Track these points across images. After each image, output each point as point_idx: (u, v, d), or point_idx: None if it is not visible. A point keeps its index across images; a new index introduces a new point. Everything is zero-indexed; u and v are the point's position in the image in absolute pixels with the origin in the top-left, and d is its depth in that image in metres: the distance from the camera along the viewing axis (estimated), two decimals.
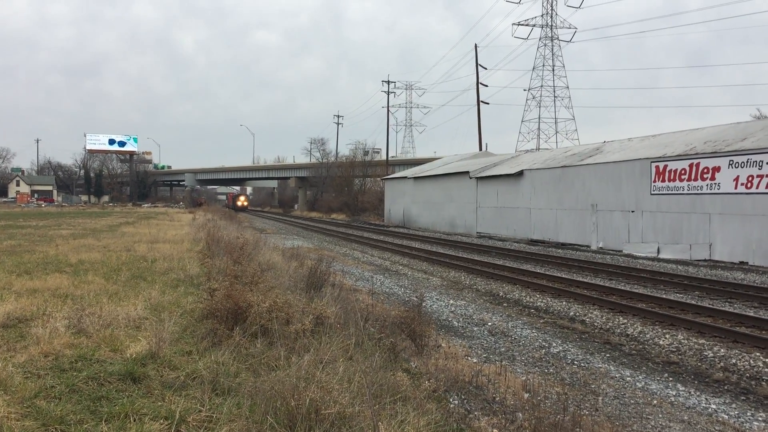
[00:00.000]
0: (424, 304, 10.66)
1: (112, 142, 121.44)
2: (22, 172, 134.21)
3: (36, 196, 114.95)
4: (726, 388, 8.11)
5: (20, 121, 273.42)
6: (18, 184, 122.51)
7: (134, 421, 4.60)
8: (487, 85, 68.49)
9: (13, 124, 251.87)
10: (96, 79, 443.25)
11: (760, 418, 6.93)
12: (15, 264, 13.98)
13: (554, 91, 75.67)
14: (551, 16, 76.20)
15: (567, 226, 31.68)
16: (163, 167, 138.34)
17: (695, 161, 24.16)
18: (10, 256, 15.67)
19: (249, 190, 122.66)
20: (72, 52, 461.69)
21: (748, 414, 7.08)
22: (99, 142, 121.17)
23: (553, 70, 76.03)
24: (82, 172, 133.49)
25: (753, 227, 21.62)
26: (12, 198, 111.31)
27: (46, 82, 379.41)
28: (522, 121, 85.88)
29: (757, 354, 9.31)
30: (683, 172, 24.63)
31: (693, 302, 13.47)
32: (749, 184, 21.85)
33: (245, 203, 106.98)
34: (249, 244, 16.47)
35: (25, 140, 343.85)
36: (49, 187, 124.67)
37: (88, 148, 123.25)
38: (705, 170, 23.71)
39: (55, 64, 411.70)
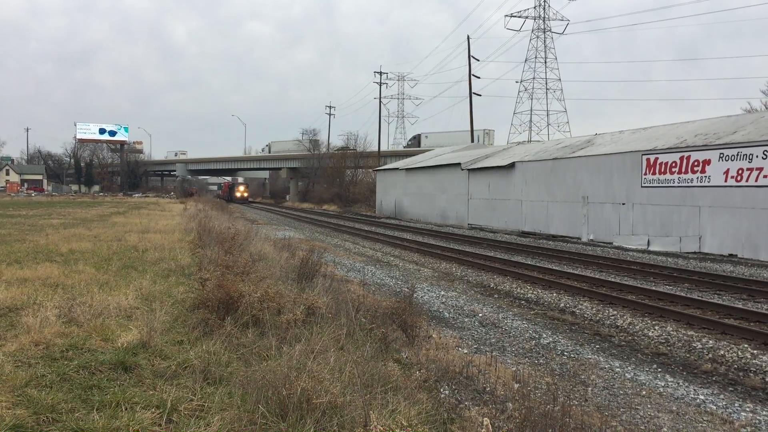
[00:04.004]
0: (415, 295, 10.68)
1: (102, 131, 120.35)
2: (12, 161, 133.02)
3: (26, 185, 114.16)
4: (714, 379, 8.19)
5: (10, 110, 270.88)
6: (8, 174, 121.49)
7: (126, 409, 4.61)
8: (479, 77, 68.74)
9: (2, 113, 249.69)
10: (87, 69, 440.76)
11: (747, 409, 7.01)
12: (5, 253, 13.90)
13: (546, 83, 75.80)
14: (544, 8, 76.23)
15: (558, 218, 31.77)
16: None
17: (686, 154, 24.26)
18: (0, 245, 15.58)
19: (240, 180, 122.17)
20: (63, 41, 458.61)
21: (736, 405, 7.15)
22: (89, 131, 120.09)
23: (546, 62, 76.11)
24: (73, 161, 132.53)
25: (742, 220, 21.76)
26: (2, 187, 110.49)
27: (37, 71, 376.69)
28: (514, 113, 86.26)
29: (745, 345, 9.40)
30: (674, 164, 24.74)
31: (682, 294, 13.56)
32: (739, 177, 21.97)
33: (245, 194, 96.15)
34: (240, 235, 16.44)
35: (15, 129, 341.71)
36: (39, 177, 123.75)
37: (78, 137, 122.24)
38: (695, 163, 23.82)
39: (46, 53, 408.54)
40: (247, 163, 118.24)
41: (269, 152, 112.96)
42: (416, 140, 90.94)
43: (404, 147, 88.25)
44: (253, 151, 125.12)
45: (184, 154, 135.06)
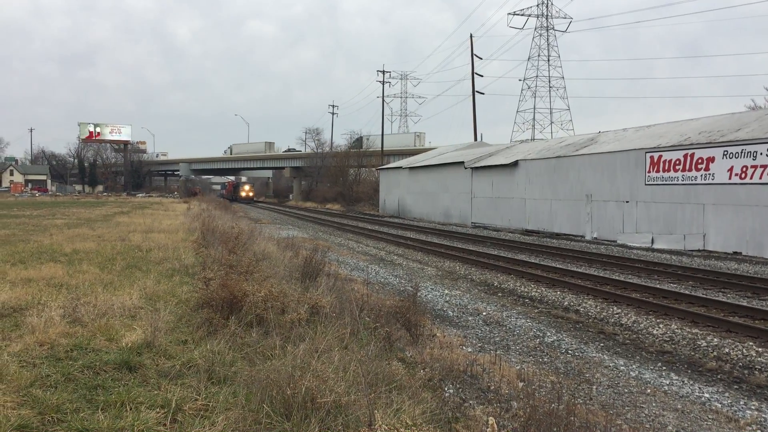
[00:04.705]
0: (419, 294, 10.67)
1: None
2: (16, 161, 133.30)
3: (30, 185, 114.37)
4: (719, 377, 8.17)
5: (14, 111, 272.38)
6: (12, 174, 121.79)
7: (130, 409, 4.61)
8: (482, 75, 68.49)
9: (6, 114, 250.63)
10: (90, 69, 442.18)
11: (752, 407, 6.99)
12: (9, 253, 13.94)
13: (549, 82, 75.67)
14: (547, 6, 76.10)
15: (562, 217, 31.73)
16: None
17: (690, 152, 24.20)
18: (5, 246, 15.62)
19: (243, 179, 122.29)
20: (66, 42, 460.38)
21: (741, 403, 7.13)
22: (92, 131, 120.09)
23: (549, 60, 75.99)
24: (76, 161, 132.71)
25: (746, 217, 21.70)
26: (6, 188, 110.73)
27: (40, 72, 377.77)
28: (517, 112, 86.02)
29: (750, 343, 9.37)
30: (678, 162, 24.68)
31: (687, 292, 13.53)
32: (743, 175, 21.91)
33: (251, 193, 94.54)
34: (244, 234, 16.41)
35: (19, 130, 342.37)
36: (43, 177, 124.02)
37: (81, 137, 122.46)
38: (699, 160, 23.76)
39: (49, 54, 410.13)
40: (250, 162, 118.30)
41: (231, 154, 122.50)
42: (359, 142, 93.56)
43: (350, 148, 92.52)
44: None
45: (165, 155, 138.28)
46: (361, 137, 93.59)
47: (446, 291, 14.25)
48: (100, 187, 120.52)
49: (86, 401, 4.81)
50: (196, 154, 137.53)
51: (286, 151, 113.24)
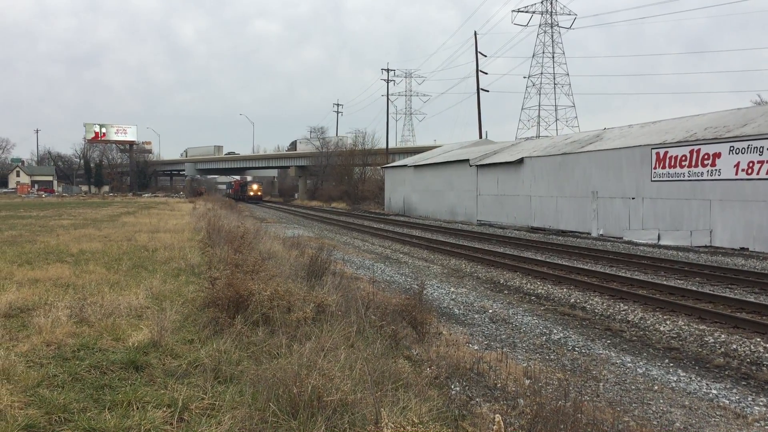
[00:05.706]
0: (425, 292, 10.67)
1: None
2: (22, 162, 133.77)
3: (36, 186, 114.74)
4: (726, 373, 8.14)
5: (20, 112, 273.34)
6: (18, 175, 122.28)
7: (137, 409, 4.62)
8: (486, 73, 68.42)
9: (12, 115, 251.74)
10: (96, 70, 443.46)
11: (760, 403, 6.96)
12: (16, 254, 13.98)
13: (554, 78, 75.42)
14: (551, 3, 75.84)
15: (567, 214, 31.66)
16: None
17: (696, 147, 24.11)
18: (12, 246, 15.67)
19: (249, 178, 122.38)
20: (72, 42, 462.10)
21: (749, 399, 7.10)
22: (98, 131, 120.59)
23: (553, 57, 75.75)
24: (82, 162, 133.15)
25: (753, 213, 21.61)
26: (12, 188, 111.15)
27: (46, 72, 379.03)
28: (522, 109, 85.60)
29: (758, 339, 9.33)
30: (684, 158, 24.59)
31: (694, 288, 13.48)
32: (750, 170, 21.81)
33: (259, 192, 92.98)
34: (249, 233, 16.44)
35: (25, 131, 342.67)
36: (50, 178, 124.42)
37: (87, 138, 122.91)
38: (705, 156, 23.66)
39: (54, 54, 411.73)
40: (256, 161, 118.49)
41: (186, 156, 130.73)
42: (293, 145, 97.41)
43: (285, 151, 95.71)
44: (261, 149, 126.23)
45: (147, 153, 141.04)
46: (295, 141, 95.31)
47: (452, 289, 14.23)
48: (106, 188, 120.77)
49: (93, 401, 4.82)
50: (202, 154, 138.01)
51: (227, 154, 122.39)
